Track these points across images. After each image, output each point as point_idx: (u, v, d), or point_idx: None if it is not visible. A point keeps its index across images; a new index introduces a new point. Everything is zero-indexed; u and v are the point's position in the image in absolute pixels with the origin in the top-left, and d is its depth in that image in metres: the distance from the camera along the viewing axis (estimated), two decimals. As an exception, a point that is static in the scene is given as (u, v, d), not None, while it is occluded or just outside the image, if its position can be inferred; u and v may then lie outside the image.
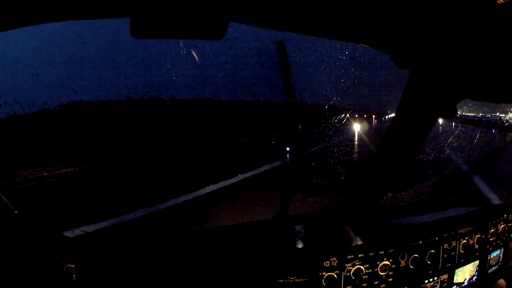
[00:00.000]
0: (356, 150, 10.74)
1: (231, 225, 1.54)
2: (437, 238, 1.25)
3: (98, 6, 0.85)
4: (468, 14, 0.86)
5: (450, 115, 1.38)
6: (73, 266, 1.06)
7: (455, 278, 1.32)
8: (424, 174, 5.61)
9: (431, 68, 1.24)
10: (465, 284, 1.37)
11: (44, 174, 6.91)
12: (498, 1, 0.74)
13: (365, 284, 1.12)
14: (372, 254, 1.13)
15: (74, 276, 1.06)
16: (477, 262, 1.39)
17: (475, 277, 1.40)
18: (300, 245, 1.18)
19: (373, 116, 25.56)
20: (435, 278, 1.26)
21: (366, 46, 1.16)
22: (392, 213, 1.54)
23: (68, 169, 7.47)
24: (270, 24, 0.99)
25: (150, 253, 1.08)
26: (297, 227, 1.31)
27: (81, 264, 1.06)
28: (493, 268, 1.48)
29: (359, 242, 1.18)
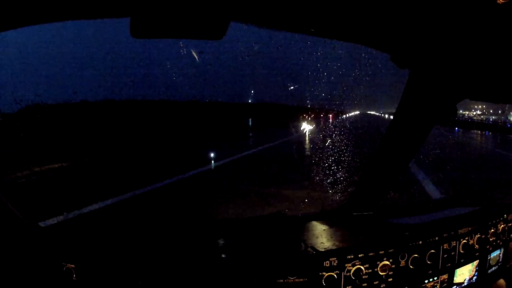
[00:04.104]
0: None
1: (231, 221, 1.53)
2: (437, 238, 1.25)
3: (98, 6, 0.85)
4: (468, 14, 0.86)
5: (450, 115, 1.38)
6: (73, 266, 1.06)
7: (455, 278, 1.32)
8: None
9: (431, 68, 1.24)
10: (465, 284, 1.37)
11: (36, 170, 6.94)
12: (498, 1, 0.74)
13: (365, 284, 1.12)
14: (372, 254, 1.13)
15: (74, 276, 1.06)
16: (477, 262, 1.39)
17: (475, 277, 1.40)
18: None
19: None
20: (435, 278, 1.26)
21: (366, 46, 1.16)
22: (392, 213, 1.53)
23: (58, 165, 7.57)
24: (270, 24, 0.98)
25: (150, 253, 1.08)
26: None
27: (81, 263, 1.06)
28: (493, 268, 1.48)
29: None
